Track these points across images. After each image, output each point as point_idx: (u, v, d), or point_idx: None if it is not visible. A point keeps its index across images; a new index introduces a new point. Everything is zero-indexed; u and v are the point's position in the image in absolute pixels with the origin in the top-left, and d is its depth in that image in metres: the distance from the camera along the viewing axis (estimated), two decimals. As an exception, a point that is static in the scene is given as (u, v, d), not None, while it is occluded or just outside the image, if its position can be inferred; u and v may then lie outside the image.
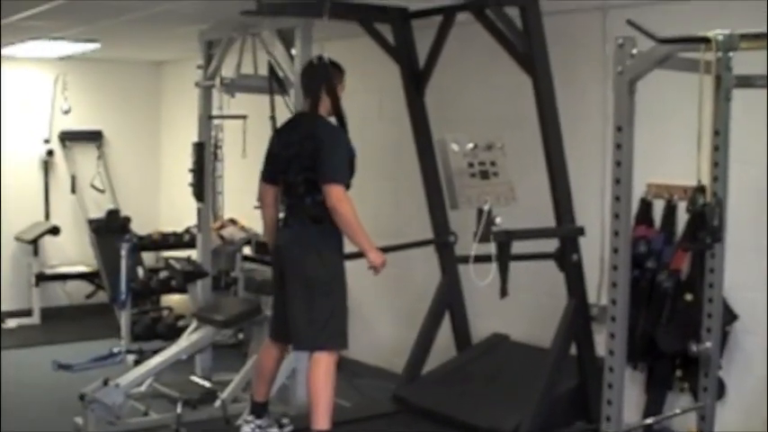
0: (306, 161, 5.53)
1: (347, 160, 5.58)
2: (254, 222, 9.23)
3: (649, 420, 5.68)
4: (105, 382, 6.83)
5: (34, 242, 10.95)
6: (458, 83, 7.67)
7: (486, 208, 5.52)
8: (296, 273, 5.58)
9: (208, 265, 8.33)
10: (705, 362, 4.84)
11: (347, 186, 5.53)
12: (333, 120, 5.78)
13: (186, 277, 8.28)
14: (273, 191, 5.89)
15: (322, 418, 5.44)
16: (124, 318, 9.02)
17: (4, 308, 11.05)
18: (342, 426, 5.83)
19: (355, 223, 5.46)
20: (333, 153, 5.49)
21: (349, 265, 5.77)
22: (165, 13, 7.27)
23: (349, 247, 5.78)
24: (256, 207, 8.54)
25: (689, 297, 5.95)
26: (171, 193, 11.81)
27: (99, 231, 10.76)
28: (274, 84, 6.71)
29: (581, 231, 6.17)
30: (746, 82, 4.63)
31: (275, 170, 5.84)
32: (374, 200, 8.38)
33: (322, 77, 5.74)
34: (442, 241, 7.02)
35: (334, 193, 5.41)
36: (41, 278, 11.02)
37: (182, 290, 9.01)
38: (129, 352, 8.70)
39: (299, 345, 5.81)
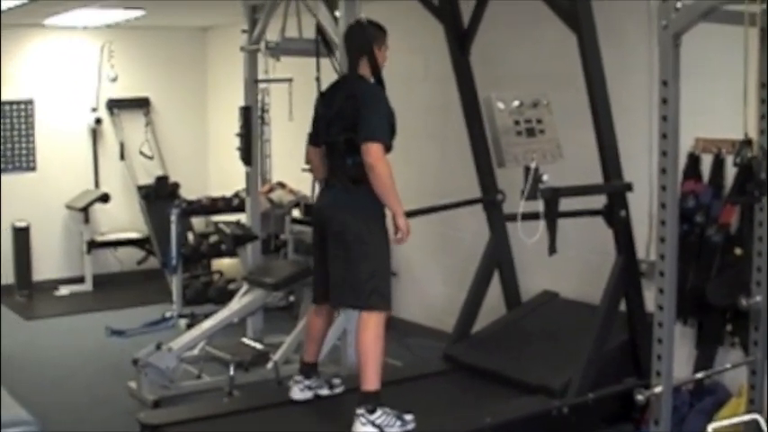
0: (347, 122, 5.51)
1: (387, 121, 5.57)
2: (303, 185, 9.29)
3: (700, 375, 5.68)
4: (158, 347, 6.90)
5: (85, 210, 11.03)
6: (503, 41, 7.64)
7: (532, 165, 5.51)
8: (337, 234, 5.59)
9: (257, 228, 8.39)
10: (755, 316, 4.83)
11: (388, 148, 5.51)
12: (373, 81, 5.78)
13: (236, 241, 8.35)
14: (320, 152, 5.90)
15: (371, 379, 5.46)
16: (175, 282, 9.12)
17: (57, 275, 11.19)
18: (393, 385, 5.86)
19: (389, 184, 5.43)
20: (373, 112, 5.46)
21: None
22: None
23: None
24: (304, 170, 8.61)
25: (738, 251, 5.92)
26: (219, 158, 11.87)
27: (148, 197, 10.87)
28: (322, 45, 6.70)
29: (629, 187, 6.14)
30: (793, 33, 4.59)
31: (319, 131, 5.86)
32: (421, 160, 8.39)
33: (362, 40, 5.74)
34: (490, 200, 7.02)
35: (373, 151, 5.38)
36: (93, 245, 11.10)
37: (232, 254, 9.08)
38: (181, 316, 8.81)
39: (337, 302, 5.86)
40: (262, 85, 8.90)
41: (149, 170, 11.57)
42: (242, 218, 8.93)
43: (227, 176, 10.80)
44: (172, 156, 11.86)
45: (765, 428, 4.68)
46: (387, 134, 5.50)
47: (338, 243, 5.58)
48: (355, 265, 5.52)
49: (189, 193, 10.83)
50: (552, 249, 5.72)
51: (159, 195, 10.86)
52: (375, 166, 5.37)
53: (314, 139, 5.95)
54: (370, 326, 5.51)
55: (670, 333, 4.18)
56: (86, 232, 11.11)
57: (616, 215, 6.14)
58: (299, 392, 6.04)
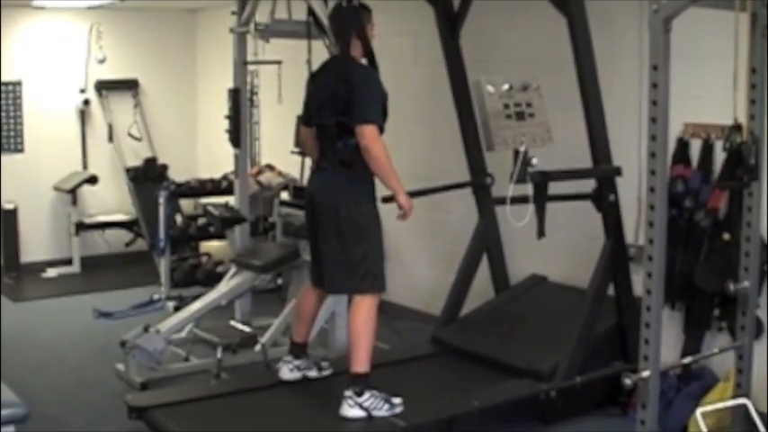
0: (339, 104, 5.51)
1: (381, 102, 5.56)
2: (292, 167, 9.29)
3: (687, 359, 5.69)
4: (146, 329, 6.89)
5: (73, 191, 10.98)
6: (493, 25, 7.62)
7: (522, 149, 5.50)
8: (329, 217, 5.59)
9: (245, 210, 8.37)
10: (743, 301, 4.84)
11: (381, 129, 5.51)
12: (364, 62, 5.76)
13: (224, 223, 8.33)
14: (313, 133, 5.88)
15: (361, 361, 5.48)
16: (163, 265, 9.09)
17: (45, 257, 11.16)
18: (381, 368, 5.87)
19: (388, 165, 5.44)
20: (366, 94, 5.47)
21: (387, 209, 5.77)
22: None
23: (381, 191, 5.76)
24: (293, 152, 8.61)
25: (726, 236, 5.93)
26: (208, 140, 11.83)
27: (137, 179, 10.82)
28: (314, 27, 6.68)
29: (618, 171, 6.15)
30: (783, 18, 4.59)
31: (311, 114, 5.85)
32: (411, 143, 8.38)
33: (351, 20, 5.72)
34: (479, 183, 7.02)
35: (368, 133, 5.38)
36: (81, 227, 11.07)
37: (220, 236, 9.07)
38: (168, 298, 8.77)
39: (332, 288, 5.87)
40: (251, 68, 8.85)
41: (138, 152, 11.51)
42: (230, 200, 8.90)
43: (216, 159, 10.77)
44: (160, 138, 11.81)
45: (753, 412, 4.70)
46: (380, 116, 5.50)
47: (330, 226, 5.58)
48: (348, 247, 5.53)
49: (177, 175, 10.78)
50: (541, 233, 5.73)
51: (148, 177, 10.80)
52: (371, 148, 5.37)
53: (306, 120, 5.94)
54: (363, 308, 5.53)
55: (658, 317, 4.19)
56: (74, 214, 11.07)
57: (605, 199, 6.14)
58: (287, 372, 6.06)
